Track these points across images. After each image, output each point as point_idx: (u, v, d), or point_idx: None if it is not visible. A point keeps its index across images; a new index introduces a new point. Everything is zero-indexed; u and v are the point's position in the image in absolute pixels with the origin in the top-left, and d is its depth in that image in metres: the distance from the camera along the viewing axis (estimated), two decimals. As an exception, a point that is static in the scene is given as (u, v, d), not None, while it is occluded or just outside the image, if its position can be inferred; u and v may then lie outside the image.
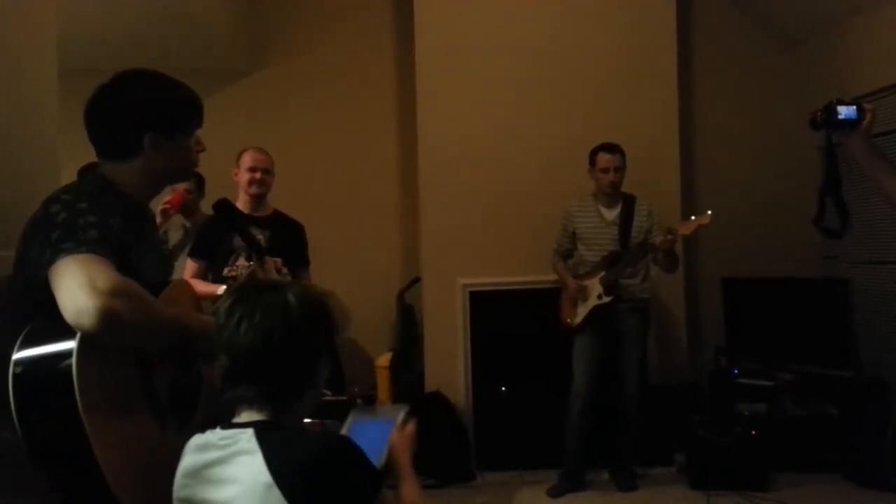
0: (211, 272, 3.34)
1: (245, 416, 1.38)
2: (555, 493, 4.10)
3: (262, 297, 1.37)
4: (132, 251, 1.58)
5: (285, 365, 1.36)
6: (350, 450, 1.34)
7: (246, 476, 1.30)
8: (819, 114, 2.04)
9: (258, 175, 3.40)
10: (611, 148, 4.10)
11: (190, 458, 1.39)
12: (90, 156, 1.68)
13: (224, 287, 2.55)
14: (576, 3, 4.94)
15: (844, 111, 2.00)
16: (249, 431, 1.33)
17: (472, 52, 4.92)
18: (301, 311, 1.38)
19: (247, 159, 3.43)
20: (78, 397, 1.31)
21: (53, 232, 1.44)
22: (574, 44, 4.92)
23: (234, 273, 3.26)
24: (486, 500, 4.14)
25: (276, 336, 1.33)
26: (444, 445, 4.46)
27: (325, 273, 3.59)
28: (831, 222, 2.15)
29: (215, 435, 1.37)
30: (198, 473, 1.36)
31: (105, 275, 1.37)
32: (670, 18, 4.94)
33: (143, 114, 1.62)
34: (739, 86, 5.36)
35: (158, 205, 3.50)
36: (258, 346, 1.32)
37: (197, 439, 1.41)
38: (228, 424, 1.38)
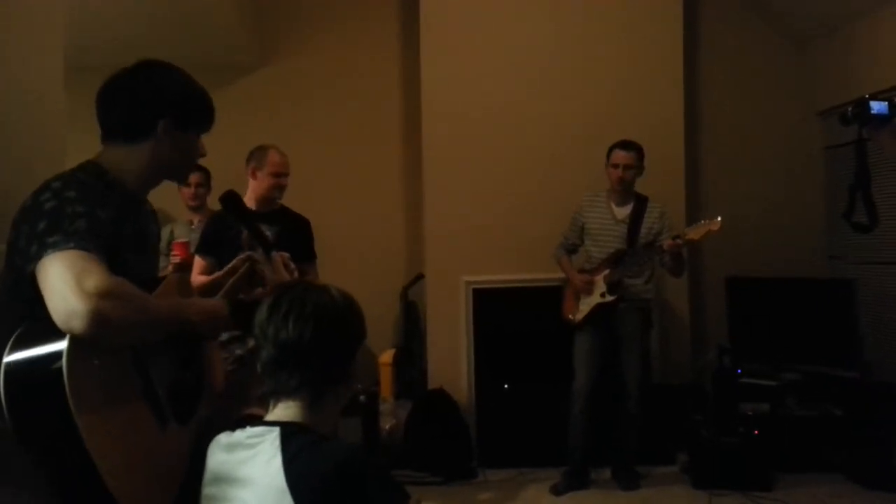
0: (219, 269, 3.30)
1: (279, 411, 1.42)
2: (558, 490, 4.10)
3: (308, 293, 1.43)
4: (122, 242, 1.55)
5: (329, 356, 1.42)
6: (371, 464, 1.35)
7: (263, 478, 1.32)
8: (850, 108, 2.02)
9: (284, 181, 3.38)
10: (626, 145, 4.06)
11: (219, 457, 1.42)
12: (96, 152, 1.68)
13: None
14: (582, 3, 4.92)
15: (877, 106, 1.98)
16: (276, 431, 1.36)
17: (476, 49, 4.91)
18: (346, 307, 1.46)
19: (271, 163, 3.37)
20: (70, 401, 1.27)
21: (40, 222, 1.41)
22: (580, 43, 4.91)
23: None
24: (488, 498, 4.14)
25: (324, 328, 1.40)
26: (446, 442, 4.47)
27: (328, 269, 3.58)
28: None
29: (244, 433, 1.40)
30: (226, 474, 1.39)
31: (93, 274, 1.33)
32: (677, 16, 4.93)
33: (163, 98, 1.61)
34: (746, 85, 5.34)
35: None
36: (307, 337, 1.38)
37: (225, 437, 1.43)
38: (258, 422, 1.41)
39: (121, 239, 1.54)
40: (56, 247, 1.36)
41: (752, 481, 3.98)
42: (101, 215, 1.47)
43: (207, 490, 1.42)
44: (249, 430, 1.39)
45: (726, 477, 4.01)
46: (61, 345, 1.31)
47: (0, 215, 1.85)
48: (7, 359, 1.33)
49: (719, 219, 3.74)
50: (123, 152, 1.62)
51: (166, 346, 1.56)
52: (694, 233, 3.79)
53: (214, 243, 3.30)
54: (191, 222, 4.14)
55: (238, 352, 2.06)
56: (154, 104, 1.61)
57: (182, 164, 1.74)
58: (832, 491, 3.99)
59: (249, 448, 1.37)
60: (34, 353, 1.34)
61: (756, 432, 4.08)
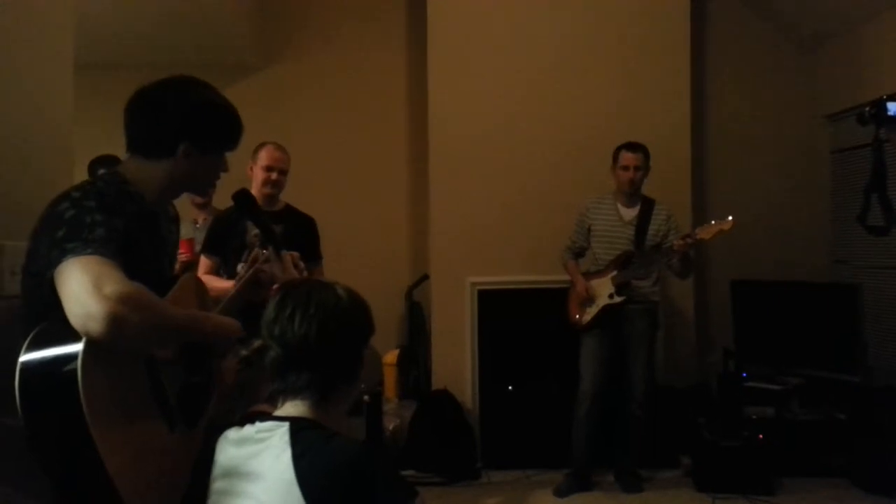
0: (224, 269, 3.26)
1: (288, 408, 1.43)
2: (561, 492, 4.09)
3: (313, 292, 1.44)
4: (139, 253, 1.56)
5: (335, 355, 1.43)
6: (379, 462, 1.35)
7: (272, 472, 1.33)
8: (868, 109, 2.00)
9: (274, 175, 3.33)
10: (633, 147, 4.08)
11: (229, 451, 1.42)
12: (102, 149, 1.69)
13: None
14: (590, 4, 4.92)
15: (893, 107, 1.96)
16: (285, 426, 1.37)
17: (483, 49, 4.91)
18: (351, 306, 1.46)
19: (264, 157, 3.35)
20: (83, 402, 1.29)
21: (59, 230, 1.43)
22: (587, 44, 4.91)
23: None
24: (491, 499, 4.14)
25: (329, 327, 1.40)
26: (450, 443, 4.47)
27: (333, 269, 3.59)
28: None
29: (254, 428, 1.41)
30: (236, 469, 1.40)
31: (112, 279, 1.35)
32: (684, 19, 4.92)
33: (187, 121, 1.62)
34: (753, 88, 5.33)
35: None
36: (312, 337, 1.39)
37: (234, 433, 1.44)
38: (267, 416, 1.42)
39: (136, 248, 1.55)
40: (75, 252, 1.38)
41: (756, 485, 3.97)
42: (118, 224, 1.48)
43: (217, 484, 1.43)
44: (259, 425, 1.40)
45: (729, 480, 3.99)
46: (76, 347, 1.32)
47: (8, 210, 1.86)
48: (23, 358, 1.35)
49: (730, 218, 3.72)
50: (143, 166, 1.64)
51: (179, 351, 1.57)
52: (705, 232, 3.78)
53: (219, 243, 3.29)
54: (195, 221, 4.14)
55: (243, 352, 2.06)
56: (176, 127, 1.61)
57: (201, 183, 1.78)
58: (835, 495, 3.98)
59: (259, 442, 1.37)
60: (50, 354, 1.36)
61: (760, 436, 4.07)
